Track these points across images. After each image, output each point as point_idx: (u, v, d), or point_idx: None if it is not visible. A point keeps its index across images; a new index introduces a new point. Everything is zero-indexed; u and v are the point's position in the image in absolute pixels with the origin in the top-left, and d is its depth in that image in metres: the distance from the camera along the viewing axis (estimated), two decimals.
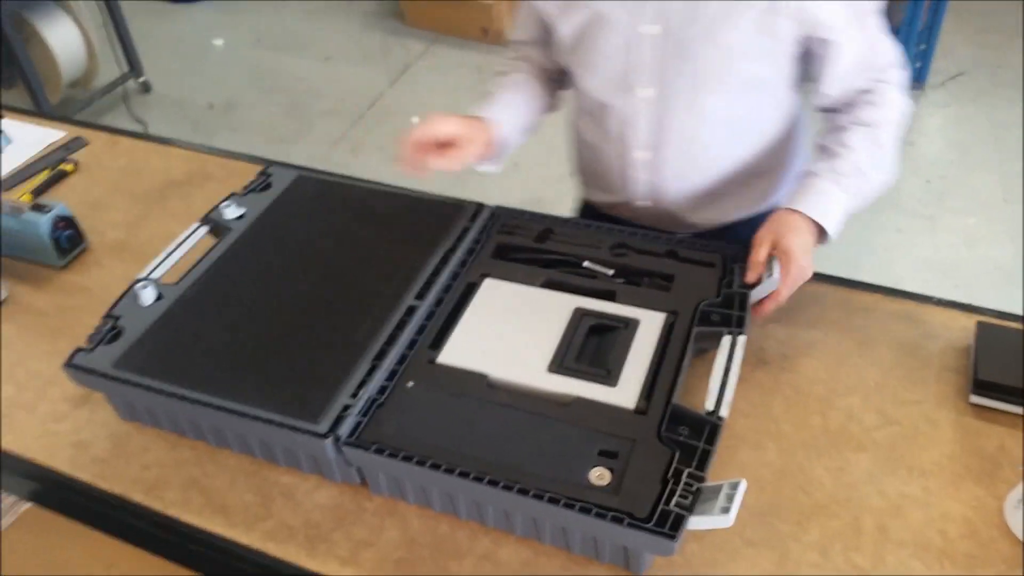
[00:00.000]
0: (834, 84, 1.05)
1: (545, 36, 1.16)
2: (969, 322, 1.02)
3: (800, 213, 0.99)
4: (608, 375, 0.89)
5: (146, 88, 3.46)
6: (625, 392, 0.88)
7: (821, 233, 1.00)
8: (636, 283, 1.02)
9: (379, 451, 0.82)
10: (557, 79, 1.24)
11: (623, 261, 1.04)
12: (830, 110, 1.09)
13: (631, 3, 1.01)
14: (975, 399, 0.94)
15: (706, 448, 0.81)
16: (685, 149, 1.11)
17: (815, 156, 1.07)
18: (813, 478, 0.88)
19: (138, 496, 0.91)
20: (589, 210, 1.35)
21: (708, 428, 0.83)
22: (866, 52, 1.03)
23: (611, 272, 1.03)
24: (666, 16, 1.00)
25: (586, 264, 1.04)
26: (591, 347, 0.93)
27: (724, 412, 0.84)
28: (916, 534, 0.83)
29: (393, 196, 1.19)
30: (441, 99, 3.34)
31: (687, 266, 1.04)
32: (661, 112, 1.08)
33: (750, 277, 0.98)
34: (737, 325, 0.94)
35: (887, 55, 1.06)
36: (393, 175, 1.22)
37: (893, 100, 1.05)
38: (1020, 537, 0.82)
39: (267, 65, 3.66)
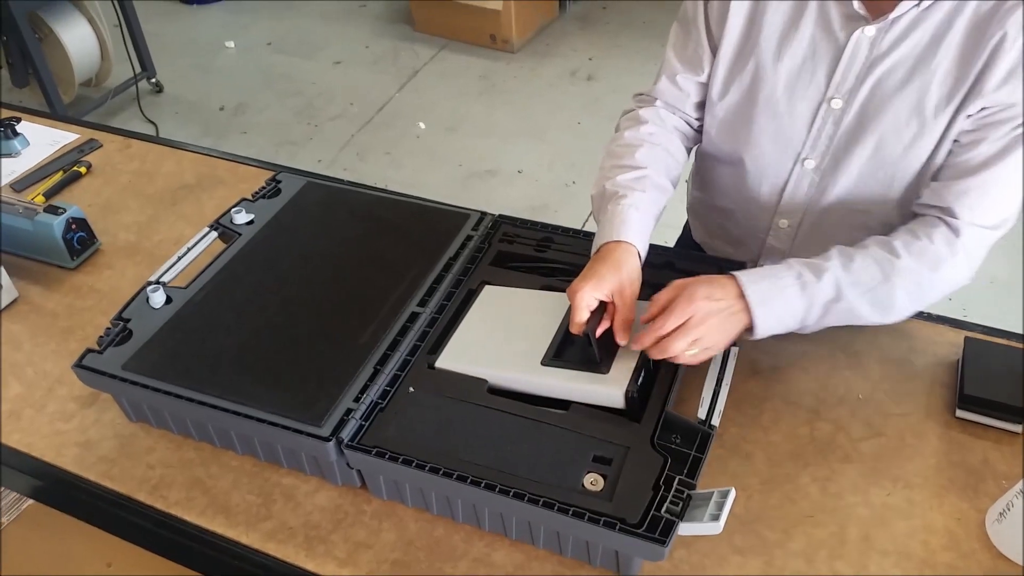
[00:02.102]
0: (935, 187, 0.96)
1: (696, 93, 1.08)
2: (957, 337, 1.04)
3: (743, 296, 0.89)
4: (600, 364, 0.91)
5: (158, 89, 3.50)
6: (616, 380, 0.89)
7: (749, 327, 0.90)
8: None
9: (380, 454, 0.85)
10: (692, 136, 1.14)
11: None
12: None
13: (821, 69, 0.97)
14: (961, 413, 0.96)
15: (697, 456, 0.83)
16: (826, 226, 1.08)
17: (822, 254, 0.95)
18: (800, 487, 0.90)
19: (142, 495, 0.94)
20: (693, 247, 1.30)
21: (700, 436, 0.85)
22: (975, 176, 0.92)
23: None
24: (854, 96, 0.96)
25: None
26: (584, 340, 0.94)
27: (716, 421, 0.86)
28: (899, 544, 0.85)
29: (399, 204, 1.22)
30: (448, 105, 3.37)
31: (683, 277, 1.05)
32: (820, 188, 1.04)
33: (642, 317, 0.91)
34: None
35: (987, 204, 0.93)
36: (398, 180, 1.24)
37: (944, 255, 0.92)
38: (1000, 549, 0.84)
39: (278, 68, 3.69)
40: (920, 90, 0.92)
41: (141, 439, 1.00)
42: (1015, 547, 0.83)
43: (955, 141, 0.94)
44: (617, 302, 0.92)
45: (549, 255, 1.10)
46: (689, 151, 1.15)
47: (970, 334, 1.04)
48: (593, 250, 0.98)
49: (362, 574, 0.85)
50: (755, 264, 1.16)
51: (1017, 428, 0.94)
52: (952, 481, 0.90)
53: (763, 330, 0.90)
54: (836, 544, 0.85)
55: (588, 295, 0.90)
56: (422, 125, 3.27)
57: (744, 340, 0.92)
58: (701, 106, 1.10)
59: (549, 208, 2.80)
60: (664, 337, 0.87)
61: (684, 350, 0.87)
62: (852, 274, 0.91)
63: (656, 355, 0.88)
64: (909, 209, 1.01)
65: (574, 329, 0.92)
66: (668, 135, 1.09)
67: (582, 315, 0.90)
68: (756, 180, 1.09)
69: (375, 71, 3.63)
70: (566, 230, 1.14)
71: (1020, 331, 1.06)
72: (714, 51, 1.04)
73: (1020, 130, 0.89)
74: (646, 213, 0.99)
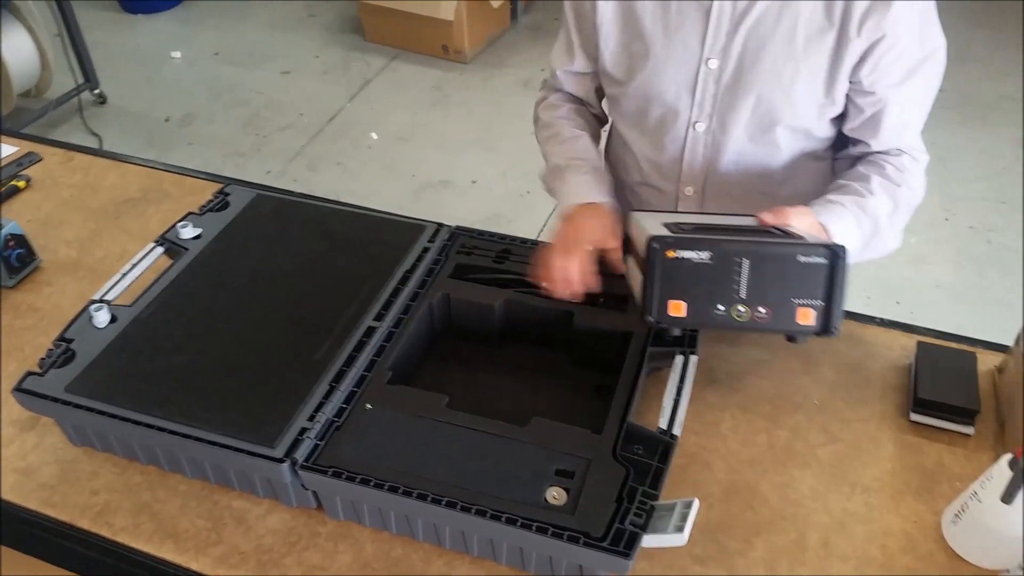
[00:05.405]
0: (879, 136, 1.04)
1: (592, 68, 1.16)
2: (910, 342, 1.06)
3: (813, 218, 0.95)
4: None
5: (102, 100, 3.41)
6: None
7: None
8: (593, 303, 1.04)
9: (336, 475, 0.82)
10: (600, 114, 1.24)
11: None
12: (852, 157, 1.10)
13: (694, 35, 1.02)
14: (915, 417, 0.97)
15: (659, 466, 0.83)
16: (728, 188, 1.12)
17: (835, 189, 1.04)
18: (759, 495, 0.91)
19: (86, 523, 0.90)
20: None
21: (662, 446, 0.84)
22: (904, 116, 1.03)
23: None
24: (728, 53, 1.01)
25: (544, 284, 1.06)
26: None
27: (677, 430, 0.86)
28: (858, 549, 0.85)
29: (353, 216, 1.20)
30: (400, 115, 3.35)
31: None
32: (714, 149, 1.09)
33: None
34: (690, 345, 0.96)
35: (914, 133, 1.06)
36: (350, 191, 1.22)
37: (917, 179, 1.04)
38: (957, 550, 0.85)
39: (225, 79, 3.63)
40: (789, 30, 0.98)
41: (84, 464, 0.96)
42: (971, 548, 0.84)
43: (850, 84, 1.00)
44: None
45: (508, 266, 1.09)
46: (601, 124, 1.25)
47: (922, 338, 1.06)
48: (562, 210, 1.08)
49: None
50: None
51: (970, 430, 0.96)
52: (908, 484, 0.91)
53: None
54: (797, 551, 0.85)
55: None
56: (374, 136, 3.24)
57: (700, 350, 0.92)
58: (598, 92, 1.21)
59: (503, 218, 2.79)
60: None
61: None
62: (877, 199, 1.00)
63: None
64: (802, 169, 1.11)
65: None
66: (581, 107, 1.22)
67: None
68: (657, 150, 1.14)
69: (325, 81, 3.59)
70: (524, 241, 1.13)
71: (968, 334, 1.08)
72: (594, 45, 1.11)
73: (910, 62, 0.99)
74: (602, 179, 1.11)
